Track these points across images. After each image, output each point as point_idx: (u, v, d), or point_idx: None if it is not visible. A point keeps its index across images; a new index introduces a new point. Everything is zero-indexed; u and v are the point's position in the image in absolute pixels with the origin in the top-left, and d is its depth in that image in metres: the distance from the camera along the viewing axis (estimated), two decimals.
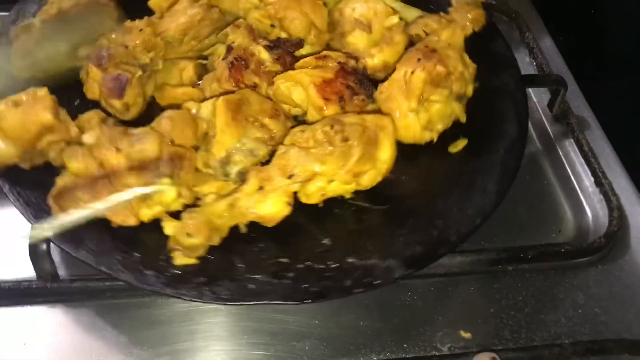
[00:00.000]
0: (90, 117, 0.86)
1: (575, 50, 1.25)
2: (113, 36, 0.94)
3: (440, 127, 0.92)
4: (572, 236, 0.96)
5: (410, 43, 0.99)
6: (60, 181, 0.77)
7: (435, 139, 0.92)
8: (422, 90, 0.88)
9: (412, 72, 0.89)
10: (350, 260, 0.78)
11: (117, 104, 0.90)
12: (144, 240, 0.79)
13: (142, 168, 0.77)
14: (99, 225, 0.77)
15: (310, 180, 0.81)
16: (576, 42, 1.29)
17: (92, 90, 0.92)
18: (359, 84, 0.92)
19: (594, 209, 0.98)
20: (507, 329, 0.82)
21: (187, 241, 0.75)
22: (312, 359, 0.78)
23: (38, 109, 0.80)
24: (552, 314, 0.85)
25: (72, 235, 0.76)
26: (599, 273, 0.90)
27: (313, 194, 0.82)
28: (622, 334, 0.83)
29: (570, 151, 1.06)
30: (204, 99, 0.89)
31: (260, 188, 0.79)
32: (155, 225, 0.78)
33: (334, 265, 0.78)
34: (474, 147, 0.92)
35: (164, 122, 0.82)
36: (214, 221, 0.77)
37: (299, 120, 0.93)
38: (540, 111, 1.14)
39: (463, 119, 0.94)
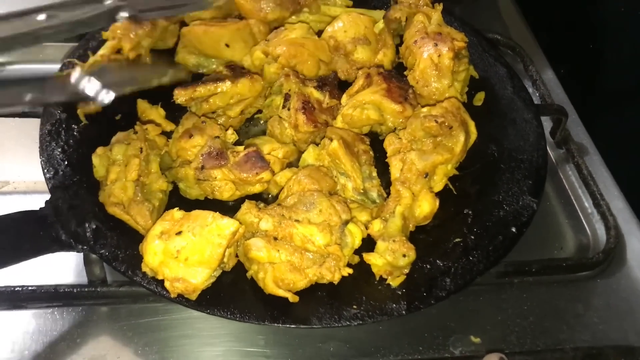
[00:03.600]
0: (248, 208, 0.86)
1: (575, 81, 1.33)
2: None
3: (465, 90, 1.08)
4: (573, 253, 1.03)
5: None
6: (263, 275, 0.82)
7: (465, 100, 1.06)
8: (451, 65, 1.01)
9: (439, 55, 1.01)
10: None
11: (267, 175, 0.91)
12: None
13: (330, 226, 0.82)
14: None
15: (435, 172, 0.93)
16: (576, 74, 1.37)
17: (227, 190, 0.91)
18: (401, 82, 1.03)
19: (592, 228, 1.06)
20: (514, 335, 0.90)
21: (404, 261, 0.82)
22: (337, 358, 0.85)
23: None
24: (554, 322, 0.92)
25: None
26: (598, 286, 0.97)
27: (437, 184, 0.93)
28: (619, 341, 0.90)
29: (570, 175, 1.15)
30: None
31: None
32: None
33: None
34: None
35: (305, 180, 0.87)
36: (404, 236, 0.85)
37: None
38: None
39: (475, 74, 1.10)
